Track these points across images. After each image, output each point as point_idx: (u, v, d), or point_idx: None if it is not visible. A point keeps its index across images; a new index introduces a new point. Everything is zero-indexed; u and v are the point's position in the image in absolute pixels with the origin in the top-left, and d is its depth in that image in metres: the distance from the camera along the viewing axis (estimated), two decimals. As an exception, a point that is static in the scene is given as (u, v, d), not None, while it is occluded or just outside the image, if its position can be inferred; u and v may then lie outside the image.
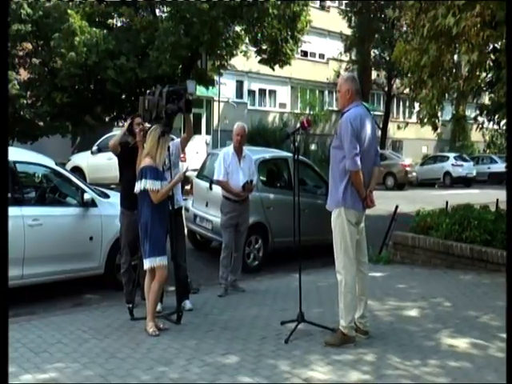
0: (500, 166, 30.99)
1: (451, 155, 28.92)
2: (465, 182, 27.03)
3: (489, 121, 12.60)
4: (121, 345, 4.49)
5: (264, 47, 18.85)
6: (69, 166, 15.31)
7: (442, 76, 9.07)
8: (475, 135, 36.59)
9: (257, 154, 8.58)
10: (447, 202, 10.85)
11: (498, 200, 12.19)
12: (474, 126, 16.48)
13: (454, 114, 10.40)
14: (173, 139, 5.78)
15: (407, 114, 39.26)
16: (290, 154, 9.99)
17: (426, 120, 9.36)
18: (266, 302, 5.94)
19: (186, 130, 5.56)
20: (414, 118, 34.92)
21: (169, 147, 4.96)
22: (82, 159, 16.26)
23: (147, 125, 5.25)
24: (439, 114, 9.72)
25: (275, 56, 19.12)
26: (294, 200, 4.86)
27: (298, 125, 5.04)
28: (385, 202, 13.60)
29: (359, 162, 4.28)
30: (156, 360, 4.15)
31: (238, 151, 6.58)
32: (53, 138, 18.35)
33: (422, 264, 8.09)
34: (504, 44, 7.23)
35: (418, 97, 9.47)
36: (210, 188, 8.03)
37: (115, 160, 16.63)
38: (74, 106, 17.28)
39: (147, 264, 4.72)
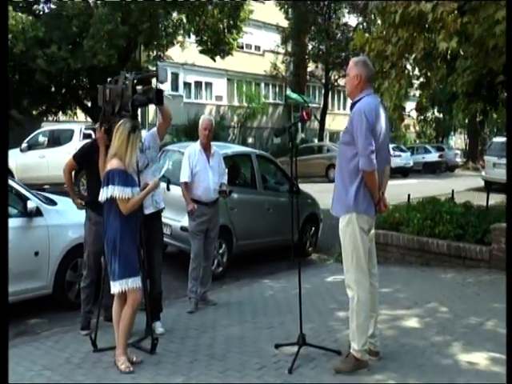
0: (433, 156, 31.90)
1: (389, 146, 29.29)
2: (402, 172, 27.38)
3: (440, 112, 12.50)
4: (89, 389, 3.66)
5: (205, 37, 18.05)
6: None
7: (406, 66, 8.72)
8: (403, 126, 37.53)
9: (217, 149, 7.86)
10: (409, 196, 10.60)
11: (453, 191, 12.15)
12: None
13: (417, 103, 10.12)
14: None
15: (342, 106, 39.80)
16: (252, 150, 9.35)
17: (391, 111, 8.98)
18: (246, 318, 5.25)
19: (162, 115, 4.66)
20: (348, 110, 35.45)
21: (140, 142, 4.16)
22: (11, 158, 14.63)
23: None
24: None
25: (216, 46, 18.38)
26: (291, 200, 4.21)
27: (294, 119, 4.39)
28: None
29: (375, 161, 3.69)
30: (139, 408, 3.38)
31: (206, 148, 5.83)
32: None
33: (395, 262, 7.70)
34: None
35: (382, 87, 9.05)
36: (168, 189, 7.23)
37: (48, 158, 15.32)
38: (-3, 99, 15.73)
39: (116, 287, 3.90)
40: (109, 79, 4.32)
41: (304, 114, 4.16)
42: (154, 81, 4.56)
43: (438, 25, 6.96)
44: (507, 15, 5.21)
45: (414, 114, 13.25)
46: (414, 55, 8.33)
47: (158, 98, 4.17)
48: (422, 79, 9.33)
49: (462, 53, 7.65)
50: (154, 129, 4.88)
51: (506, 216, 5.56)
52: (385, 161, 3.96)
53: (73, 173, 5.10)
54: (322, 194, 11.56)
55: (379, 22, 11.14)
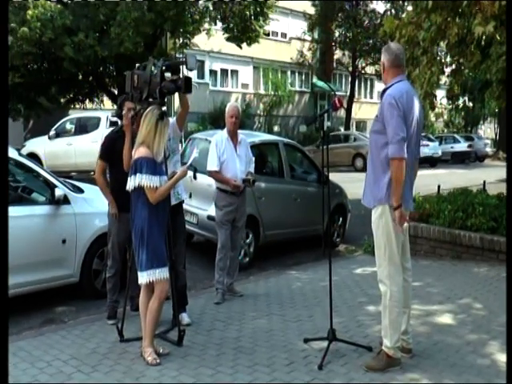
0: (462, 146, 31.27)
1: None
2: (430, 162, 26.88)
3: (472, 100, 12.14)
4: (116, 381, 3.61)
5: (232, 24, 17.88)
6: (23, 152, 13.98)
7: (438, 52, 8.46)
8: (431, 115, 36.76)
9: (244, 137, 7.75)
10: (439, 186, 10.36)
11: (485, 182, 11.85)
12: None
13: (448, 90, 9.84)
14: None
15: (369, 94, 39.22)
16: (280, 138, 9.21)
17: (421, 99, 8.73)
18: (273, 311, 5.15)
19: (181, 104, 4.57)
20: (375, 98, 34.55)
21: None
22: (39, 145, 14.87)
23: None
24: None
25: (243, 34, 18.20)
26: (323, 189, 4.08)
27: (321, 107, 4.25)
28: (361, 186, 13.11)
29: (405, 149, 3.53)
30: (166, 402, 3.32)
31: (233, 136, 5.73)
32: (3, 122, 16.84)
33: (425, 255, 7.50)
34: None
35: (413, 74, 8.81)
36: (194, 177, 7.13)
37: (75, 146, 15.41)
38: (26, 86, 15.85)
39: (144, 278, 3.84)
40: (137, 65, 4.24)
41: (336, 101, 4.00)
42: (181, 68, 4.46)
43: (475, 8, 6.70)
44: (507, 15, 5.01)
45: (444, 101, 12.90)
46: (446, 41, 8.07)
47: (186, 85, 4.06)
48: (453, 66, 9.06)
49: (498, 38, 7.35)
50: (174, 119, 4.79)
51: (507, 215, 5.31)
52: (417, 152, 3.78)
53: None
54: (349, 183, 11.37)
55: (410, 7, 10.79)
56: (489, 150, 33.57)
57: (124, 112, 4.41)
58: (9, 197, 5.35)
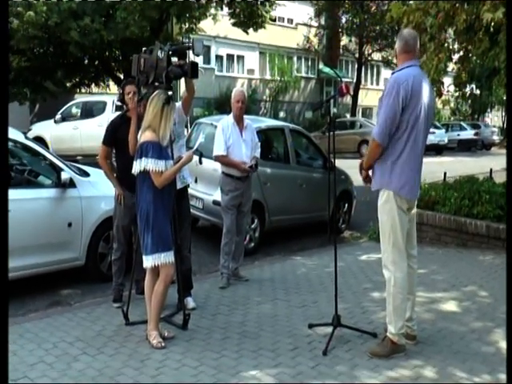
0: (469, 133, 31.08)
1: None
2: (436, 150, 26.72)
3: (479, 87, 12.02)
4: (121, 363, 3.64)
5: (238, 10, 17.75)
6: (29, 136, 13.97)
7: (446, 39, 8.37)
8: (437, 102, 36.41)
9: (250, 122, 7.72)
10: (445, 174, 10.31)
11: (491, 170, 11.79)
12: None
13: (455, 77, 9.72)
14: None
15: (375, 81, 38.95)
16: (286, 124, 9.17)
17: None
18: (278, 296, 5.17)
19: (187, 88, 4.53)
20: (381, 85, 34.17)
21: None
22: (45, 129, 14.87)
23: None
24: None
25: (249, 19, 18.06)
26: (329, 175, 4.07)
27: (326, 93, 4.22)
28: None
29: (388, 138, 3.56)
30: (172, 385, 3.35)
31: (239, 121, 5.71)
32: (9, 105, 16.85)
33: (430, 242, 7.48)
34: None
35: (420, 61, 8.71)
36: (200, 162, 7.12)
37: (81, 130, 15.37)
38: (32, 70, 15.82)
39: (149, 262, 3.85)
40: (144, 49, 4.21)
41: (343, 87, 3.96)
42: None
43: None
44: (507, 15, 4.95)
45: (451, 89, 12.80)
46: (454, 28, 7.97)
47: (192, 70, 4.04)
48: (461, 53, 8.96)
49: (507, 24, 7.24)
50: (179, 103, 4.76)
51: (507, 213, 5.26)
52: (424, 143, 3.72)
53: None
54: (354, 170, 11.30)
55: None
56: (496, 138, 33.36)
57: (129, 96, 4.39)
58: (15, 180, 5.39)
